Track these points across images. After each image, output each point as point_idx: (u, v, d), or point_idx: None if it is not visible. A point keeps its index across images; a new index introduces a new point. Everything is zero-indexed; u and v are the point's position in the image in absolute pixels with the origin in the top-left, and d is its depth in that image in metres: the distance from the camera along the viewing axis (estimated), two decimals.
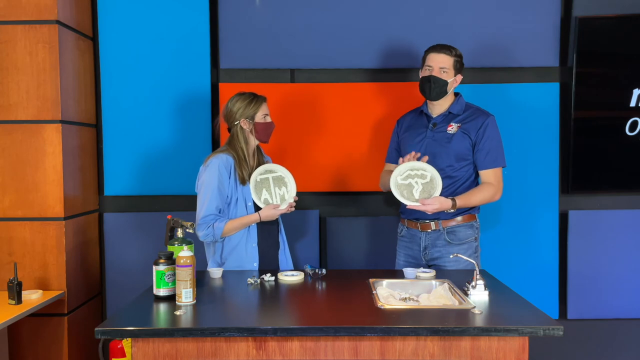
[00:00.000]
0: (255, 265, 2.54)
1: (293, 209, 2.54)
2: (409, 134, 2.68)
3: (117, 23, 3.12)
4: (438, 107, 2.61)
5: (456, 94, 2.63)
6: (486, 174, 2.56)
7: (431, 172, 2.42)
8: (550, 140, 3.16)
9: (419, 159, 2.43)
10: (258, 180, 2.52)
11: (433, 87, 2.53)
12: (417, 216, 2.60)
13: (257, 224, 2.55)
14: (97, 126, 3.23)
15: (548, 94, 3.15)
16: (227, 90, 3.09)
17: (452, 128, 2.56)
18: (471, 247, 2.57)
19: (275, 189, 2.52)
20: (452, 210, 2.47)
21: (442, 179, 2.43)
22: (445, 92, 2.55)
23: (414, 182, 2.43)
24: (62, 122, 2.81)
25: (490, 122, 2.55)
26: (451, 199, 2.44)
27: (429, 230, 2.58)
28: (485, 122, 2.54)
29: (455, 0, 3.13)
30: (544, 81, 3.17)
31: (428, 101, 2.63)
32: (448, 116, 2.59)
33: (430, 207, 2.39)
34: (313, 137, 3.17)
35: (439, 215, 2.55)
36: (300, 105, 3.16)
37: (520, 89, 3.15)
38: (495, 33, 3.13)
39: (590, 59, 3.07)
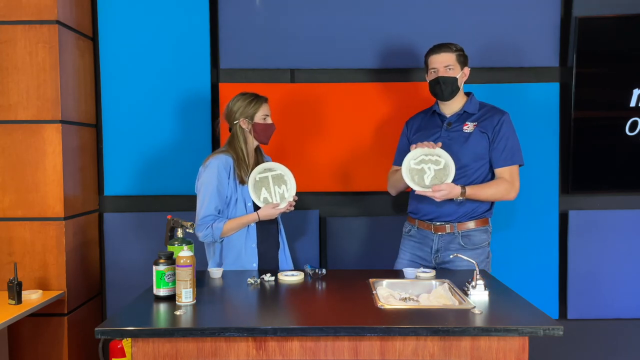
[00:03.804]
0: (255, 265, 2.54)
1: (293, 207, 2.53)
2: (421, 134, 2.63)
3: (117, 23, 3.12)
4: (451, 107, 2.59)
5: (468, 94, 2.61)
6: (501, 172, 2.51)
7: (445, 159, 2.40)
8: (550, 140, 3.16)
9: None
10: (257, 179, 2.50)
11: (444, 88, 2.50)
12: (431, 217, 2.56)
13: (257, 224, 2.55)
14: (97, 126, 3.23)
15: (548, 94, 3.15)
16: (227, 90, 3.10)
17: (468, 127, 2.53)
18: (484, 252, 2.55)
19: (275, 188, 2.50)
20: (460, 199, 2.42)
21: (458, 178, 2.42)
22: (458, 89, 2.53)
23: (427, 167, 2.42)
24: (62, 122, 2.81)
25: (505, 120, 2.53)
26: (461, 186, 2.42)
27: (443, 233, 2.54)
28: (502, 120, 2.52)
29: (455, 0, 3.13)
30: (544, 81, 3.17)
31: (439, 101, 2.60)
32: (463, 115, 2.57)
33: (439, 194, 2.37)
34: (313, 137, 3.17)
35: (454, 219, 2.52)
36: (300, 105, 3.16)
37: (520, 89, 3.15)
38: (495, 33, 3.13)
39: (590, 59, 3.07)
